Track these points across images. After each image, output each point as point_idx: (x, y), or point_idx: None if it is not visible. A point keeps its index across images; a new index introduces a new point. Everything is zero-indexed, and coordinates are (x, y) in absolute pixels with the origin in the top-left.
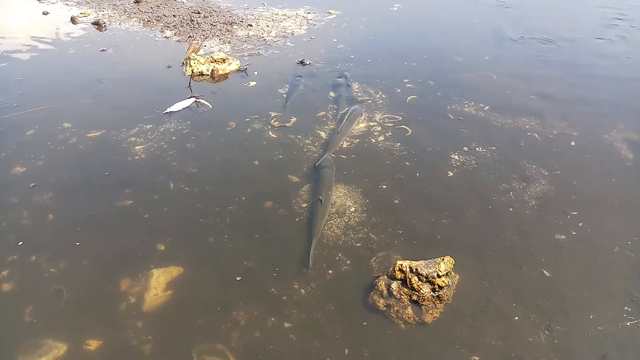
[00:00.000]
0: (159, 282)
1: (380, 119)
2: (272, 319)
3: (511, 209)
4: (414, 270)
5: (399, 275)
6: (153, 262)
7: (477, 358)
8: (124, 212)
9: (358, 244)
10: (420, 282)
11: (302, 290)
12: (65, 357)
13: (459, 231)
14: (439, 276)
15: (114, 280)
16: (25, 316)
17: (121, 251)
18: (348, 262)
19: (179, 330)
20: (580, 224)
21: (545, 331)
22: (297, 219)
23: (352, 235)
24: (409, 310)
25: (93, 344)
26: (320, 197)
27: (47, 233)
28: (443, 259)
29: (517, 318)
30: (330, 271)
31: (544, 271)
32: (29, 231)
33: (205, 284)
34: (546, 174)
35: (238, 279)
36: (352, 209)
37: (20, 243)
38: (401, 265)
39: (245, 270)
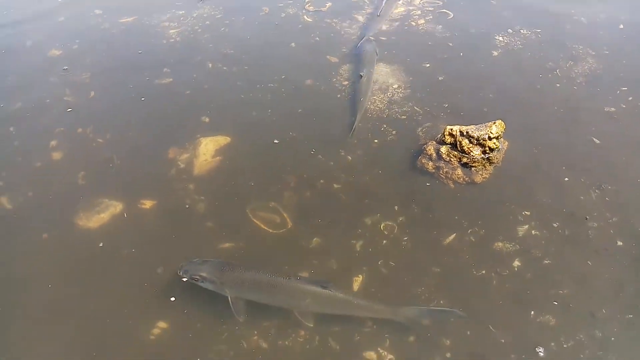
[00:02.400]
0: (207, 149)
1: (420, 3)
2: (321, 181)
3: (558, 85)
4: (465, 134)
5: (448, 139)
6: (199, 132)
7: (528, 213)
8: (164, 88)
9: (403, 117)
10: (471, 145)
11: (349, 157)
12: (122, 215)
13: (506, 104)
14: (490, 138)
15: (162, 148)
16: (79, 180)
17: (166, 123)
18: (393, 132)
19: (230, 191)
20: (630, 98)
21: (596, 190)
22: (338, 95)
23: (397, 109)
24: (459, 172)
25: (147, 204)
26: (362, 74)
27: (90, 108)
28: (495, 122)
29: (567, 179)
30: (376, 140)
31: (594, 139)
32: (73, 106)
33: (253, 152)
34: (593, 53)
35: (276, 141)
36: (395, 86)
37: (69, 109)
38: (451, 129)
39: (291, 139)
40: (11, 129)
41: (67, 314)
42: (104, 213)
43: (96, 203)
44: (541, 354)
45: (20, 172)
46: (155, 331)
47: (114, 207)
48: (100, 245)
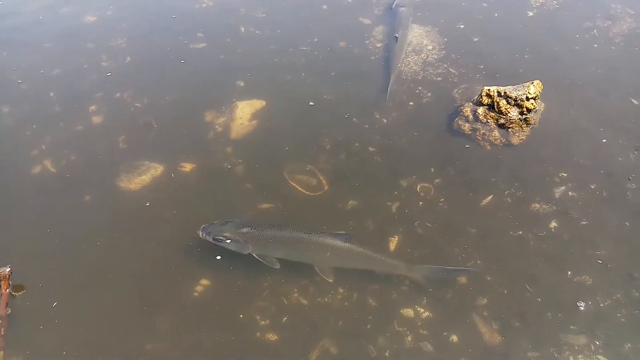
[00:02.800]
0: (243, 113)
1: None
2: (356, 144)
3: (596, 45)
4: (502, 94)
5: (485, 100)
6: (235, 97)
7: (566, 174)
8: (199, 53)
9: (438, 79)
10: (509, 106)
11: (384, 120)
12: (162, 176)
13: (542, 65)
14: (527, 99)
15: (199, 112)
16: (120, 143)
17: (202, 87)
18: (429, 94)
19: (267, 154)
20: None
21: (635, 152)
22: (372, 57)
23: (431, 71)
24: (495, 133)
25: (187, 166)
26: (397, 35)
27: (127, 73)
28: (532, 82)
29: (604, 140)
30: (411, 103)
31: (632, 100)
32: (121, 72)
33: (289, 115)
34: (632, 12)
35: (311, 103)
36: (430, 47)
37: (108, 74)
38: (488, 90)
39: (326, 102)
40: (51, 94)
41: (113, 273)
42: (145, 175)
43: (137, 165)
44: (582, 308)
45: (62, 136)
46: (199, 288)
47: (155, 169)
48: (147, 204)
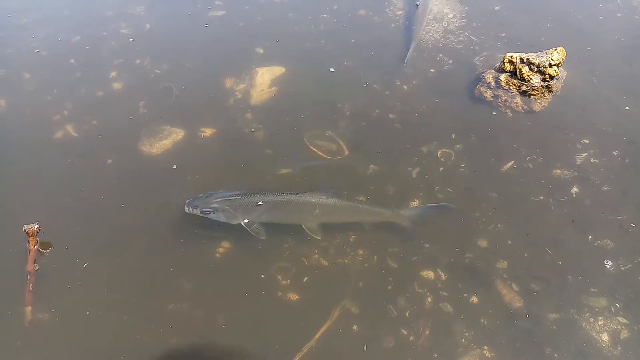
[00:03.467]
0: (263, 80)
1: None
2: (376, 110)
3: (619, 15)
4: (525, 61)
5: (508, 67)
6: (254, 63)
7: (587, 141)
8: (218, 21)
9: (459, 46)
10: (531, 72)
11: (405, 87)
12: (184, 141)
13: (564, 34)
14: (550, 65)
15: (219, 79)
16: (140, 109)
17: (221, 54)
18: (450, 61)
19: (287, 120)
20: None
21: None
22: (392, 25)
23: (452, 39)
24: (517, 100)
25: (208, 131)
26: (418, 3)
27: (146, 40)
28: (556, 49)
29: (627, 108)
30: (432, 70)
31: None
32: (141, 39)
33: (308, 81)
34: None
35: (331, 69)
36: (450, 15)
37: (130, 39)
38: (511, 56)
39: (345, 69)
40: (72, 61)
41: (136, 235)
42: (166, 140)
43: (158, 130)
44: (608, 267)
45: (83, 101)
46: (221, 250)
47: (176, 134)
48: (174, 167)
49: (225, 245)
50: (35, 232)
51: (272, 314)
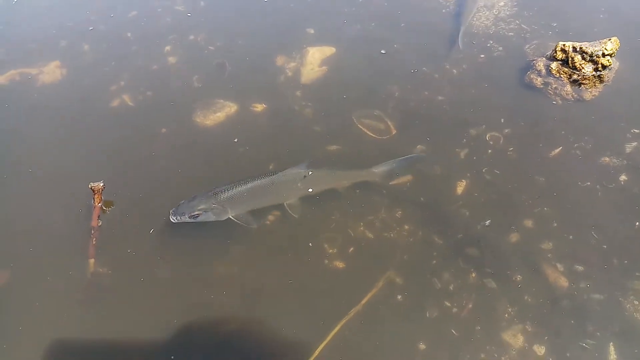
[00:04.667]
0: (314, 59)
1: None
2: (425, 92)
3: None
4: (578, 50)
5: (560, 55)
6: (305, 43)
7: (637, 130)
8: (270, 1)
9: (510, 34)
10: (583, 61)
11: (454, 71)
12: (236, 115)
13: (617, 25)
14: (603, 55)
15: (270, 57)
16: (194, 82)
17: (273, 34)
18: (500, 48)
19: (336, 98)
20: None
21: None
22: (443, 11)
23: (503, 26)
24: (568, 88)
25: (259, 107)
26: None
27: (200, 17)
28: (610, 39)
29: None
30: (482, 55)
31: None
32: (195, 16)
33: (358, 62)
34: None
35: (382, 51)
36: (502, 3)
37: (188, 14)
38: (564, 45)
39: (395, 51)
40: (129, 34)
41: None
42: (219, 112)
43: (212, 103)
44: None
45: (139, 73)
46: (270, 218)
47: (229, 108)
48: (235, 140)
49: (275, 213)
50: (100, 189)
51: (318, 279)
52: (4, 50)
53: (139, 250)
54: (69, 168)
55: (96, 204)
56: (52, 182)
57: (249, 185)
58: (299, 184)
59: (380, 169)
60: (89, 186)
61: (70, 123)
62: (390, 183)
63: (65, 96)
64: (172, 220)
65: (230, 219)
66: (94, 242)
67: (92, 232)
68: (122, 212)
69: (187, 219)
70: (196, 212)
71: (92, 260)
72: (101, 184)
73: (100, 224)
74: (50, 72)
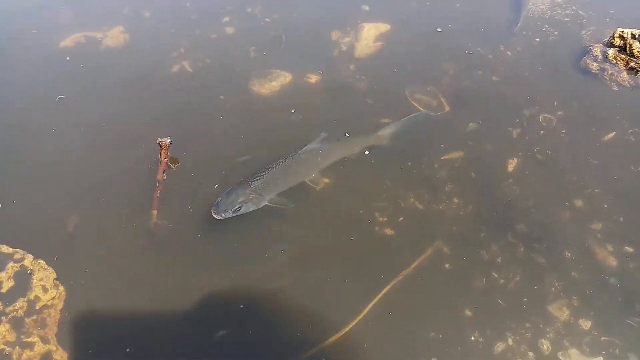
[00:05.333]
0: (368, 34)
1: None
2: (479, 72)
3: None
4: (637, 37)
5: (617, 42)
6: (360, 19)
7: None
8: None
9: (566, 19)
10: None
11: (509, 53)
12: (291, 84)
13: None
14: None
15: (325, 31)
16: (251, 52)
17: (328, 8)
18: (556, 33)
19: (390, 73)
20: None
21: None
22: None
23: (560, 12)
24: (624, 75)
25: (313, 78)
26: None
27: None
28: None
29: None
30: (537, 39)
31: None
32: None
33: (412, 39)
34: None
35: (438, 30)
36: None
37: None
38: (622, 31)
39: (450, 31)
40: (187, 4)
41: (248, 165)
42: (275, 82)
43: (267, 72)
44: None
45: (198, 41)
46: (322, 184)
47: (284, 77)
48: (293, 111)
49: (325, 180)
50: (167, 145)
51: (368, 244)
52: (72, 14)
53: (199, 207)
54: (134, 126)
55: (162, 158)
56: (120, 139)
57: (276, 169)
58: (318, 159)
59: (387, 132)
60: (157, 141)
61: (132, 85)
62: (441, 158)
63: (127, 60)
64: (217, 217)
65: (267, 204)
66: (158, 195)
67: (157, 185)
68: (185, 171)
69: (231, 214)
70: (237, 206)
71: (155, 212)
72: (168, 140)
73: (165, 177)
74: (114, 36)
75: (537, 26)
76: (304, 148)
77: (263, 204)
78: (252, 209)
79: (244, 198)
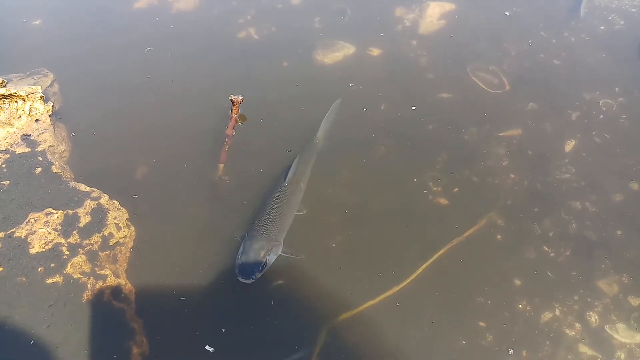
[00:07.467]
0: (433, 12)
1: None
2: (541, 55)
3: None
4: None
5: None
6: None
7: None
8: None
9: (633, 10)
10: None
11: (572, 38)
12: (354, 56)
13: None
14: None
15: (389, 7)
16: (315, 24)
17: None
18: (621, 22)
19: (452, 51)
20: None
21: None
22: None
23: (627, 2)
24: None
25: (375, 51)
26: None
27: None
28: None
29: None
30: (602, 27)
31: None
32: None
33: (477, 20)
34: None
35: (507, 13)
36: None
37: None
38: None
39: (514, 15)
40: None
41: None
42: (338, 52)
43: (331, 43)
44: None
45: (264, 10)
46: (379, 151)
47: (347, 49)
48: (351, 85)
49: (381, 148)
50: (239, 102)
51: (421, 211)
52: None
53: (264, 167)
54: (202, 85)
55: (233, 114)
56: (191, 94)
57: (274, 211)
58: (302, 185)
59: (320, 134)
60: (230, 97)
61: (200, 47)
62: (499, 134)
63: (197, 23)
64: (246, 282)
65: (281, 254)
66: (226, 149)
67: (226, 139)
68: (253, 131)
69: (260, 275)
70: (263, 262)
71: (221, 165)
72: (240, 97)
73: (234, 133)
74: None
75: (604, 15)
76: (286, 180)
77: (280, 250)
78: (274, 259)
79: (265, 251)
